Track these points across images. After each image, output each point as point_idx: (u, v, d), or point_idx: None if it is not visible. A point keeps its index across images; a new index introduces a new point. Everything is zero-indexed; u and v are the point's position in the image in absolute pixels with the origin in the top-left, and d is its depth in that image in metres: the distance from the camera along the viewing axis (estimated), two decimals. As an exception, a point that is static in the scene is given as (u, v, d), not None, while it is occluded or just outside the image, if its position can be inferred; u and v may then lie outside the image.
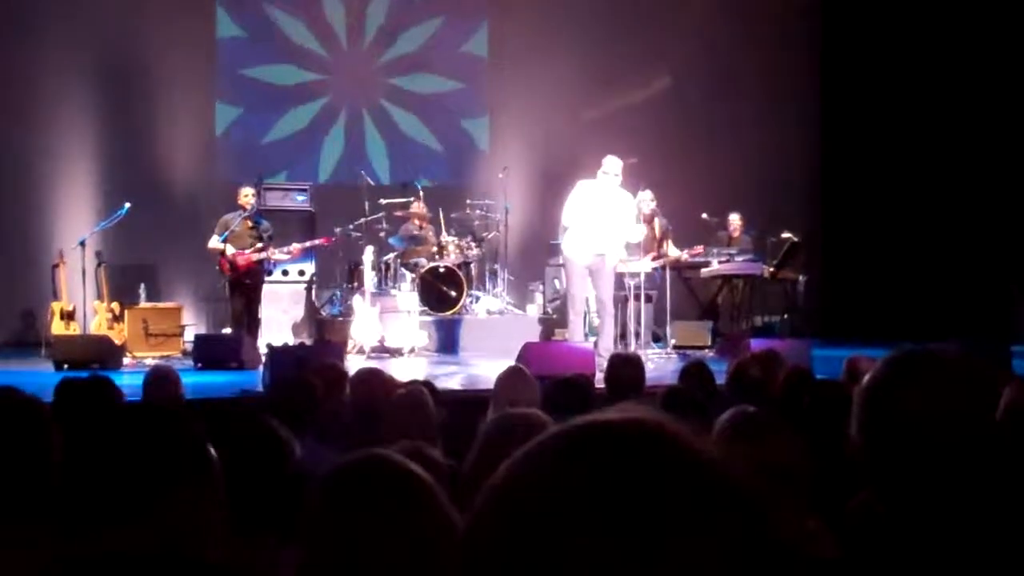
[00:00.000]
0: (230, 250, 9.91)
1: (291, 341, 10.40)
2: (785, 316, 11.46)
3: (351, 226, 11.29)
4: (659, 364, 9.37)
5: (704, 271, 10.95)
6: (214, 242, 9.97)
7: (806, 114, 13.98)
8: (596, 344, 8.68)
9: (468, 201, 12.18)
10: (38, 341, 10.53)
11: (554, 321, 11.14)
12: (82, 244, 10.34)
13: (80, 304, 10.38)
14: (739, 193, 12.30)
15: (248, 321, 10.01)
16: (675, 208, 10.79)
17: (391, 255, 11.34)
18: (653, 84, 13.55)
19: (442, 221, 11.67)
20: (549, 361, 7.47)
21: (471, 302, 11.36)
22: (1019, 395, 3.41)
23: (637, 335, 9.61)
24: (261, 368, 8.23)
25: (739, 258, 10.80)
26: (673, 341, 10.78)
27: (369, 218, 11.42)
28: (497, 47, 13.39)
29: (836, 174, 13.89)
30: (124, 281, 11.08)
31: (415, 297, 10.75)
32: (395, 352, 10.09)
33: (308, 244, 10.53)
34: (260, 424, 2.71)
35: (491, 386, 4.40)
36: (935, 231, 12.74)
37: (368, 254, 10.59)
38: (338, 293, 11.41)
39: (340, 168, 13.00)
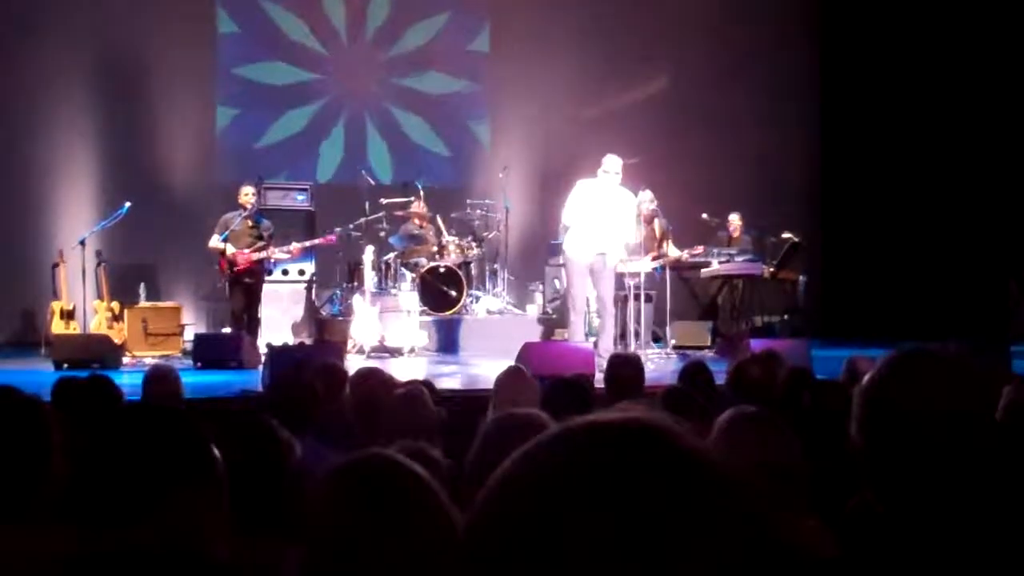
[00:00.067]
0: (230, 249, 9.91)
1: (291, 341, 10.39)
2: (785, 316, 11.47)
3: (351, 226, 11.29)
4: (659, 364, 9.37)
5: (704, 271, 10.95)
6: (214, 241, 9.96)
7: (806, 114, 13.99)
8: (596, 344, 8.68)
9: (468, 201, 12.18)
10: (38, 340, 10.53)
11: (554, 321, 11.14)
12: (82, 243, 10.34)
13: (80, 303, 10.38)
14: (739, 193, 12.30)
15: (248, 321, 10.01)
16: (675, 208, 10.79)
17: (391, 255, 11.33)
18: (653, 84, 13.55)
19: (440, 222, 11.66)
20: (549, 361, 7.47)
21: (471, 302, 11.36)
22: (1019, 395, 3.41)
23: (637, 335, 9.61)
24: (261, 368, 8.23)
25: (739, 258, 10.80)
26: (673, 341, 10.78)
27: (369, 218, 11.42)
28: (498, 46, 13.39)
29: (836, 174, 13.90)
30: (124, 280, 11.07)
31: (415, 297, 10.75)
32: (395, 352, 10.08)
33: (309, 243, 10.52)
34: (260, 424, 2.71)
35: (491, 386, 4.40)
36: (935, 231, 12.74)
37: (368, 254, 10.59)
38: (338, 293, 11.41)
39: (341, 169, 13.00)
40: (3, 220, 11.67)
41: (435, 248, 11.24)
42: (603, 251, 8.74)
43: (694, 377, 5.10)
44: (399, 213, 11.62)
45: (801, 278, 11.65)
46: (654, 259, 10.36)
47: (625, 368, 5.12)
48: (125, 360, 9.64)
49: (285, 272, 11.07)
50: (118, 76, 12.18)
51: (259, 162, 12.38)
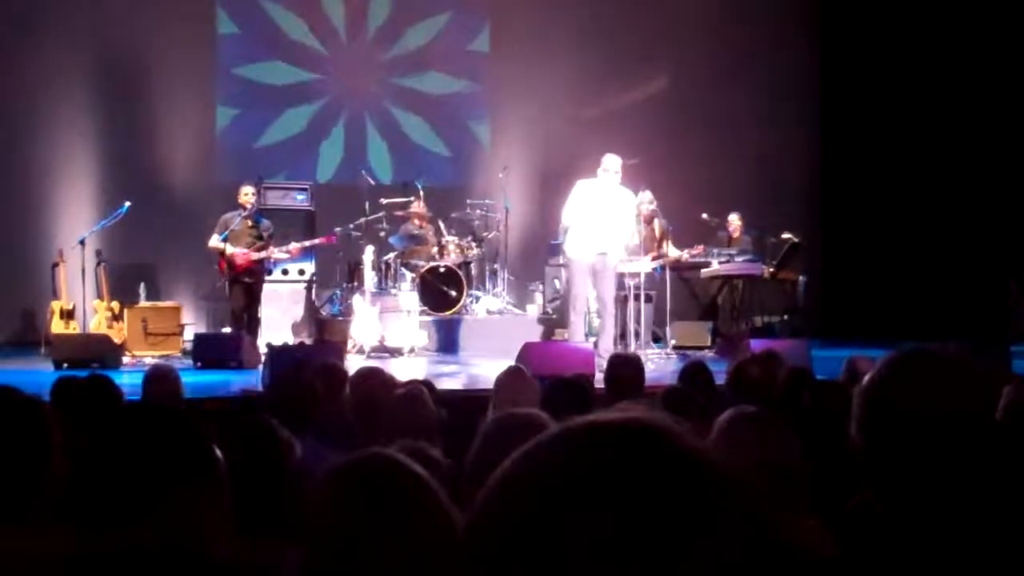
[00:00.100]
0: (229, 249, 9.91)
1: (291, 341, 10.39)
2: (785, 316, 11.47)
3: (351, 226, 11.29)
4: (659, 364, 9.37)
5: (704, 271, 10.96)
6: (214, 241, 9.96)
7: (806, 114, 13.99)
8: (596, 344, 8.68)
9: (468, 201, 12.18)
10: (38, 340, 10.52)
11: (554, 321, 11.14)
12: (82, 243, 10.34)
13: (80, 303, 10.38)
14: (739, 193, 12.31)
15: (248, 320, 10.01)
16: (675, 208, 10.79)
17: (391, 255, 11.33)
18: (653, 84, 13.55)
19: (440, 223, 11.67)
20: (549, 361, 7.47)
21: (471, 302, 11.36)
22: (1019, 395, 3.41)
23: (637, 335, 9.61)
24: (261, 368, 8.23)
25: (739, 258, 10.81)
26: (673, 341, 10.79)
27: (369, 218, 11.42)
28: (498, 46, 13.39)
29: (836, 174, 13.90)
30: (124, 280, 11.08)
31: (415, 297, 10.75)
32: (395, 352, 10.08)
33: (309, 243, 10.52)
34: (260, 424, 2.72)
35: (491, 386, 4.40)
36: (935, 231, 12.74)
37: (368, 254, 10.59)
38: (338, 293, 11.40)
39: (341, 169, 13.00)
40: (3, 220, 11.67)
41: (435, 248, 11.24)
42: (604, 251, 8.74)
43: (694, 377, 5.10)
44: (399, 213, 11.62)
45: (801, 278, 11.65)
46: (654, 259, 10.36)
47: (625, 368, 5.12)
48: (125, 360, 9.63)
49: (285, 272, 11.07)
50: (118, 76, 12.18)
51: (259, 162, 12.37)
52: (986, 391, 1.71)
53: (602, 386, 5.25)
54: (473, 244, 11.54)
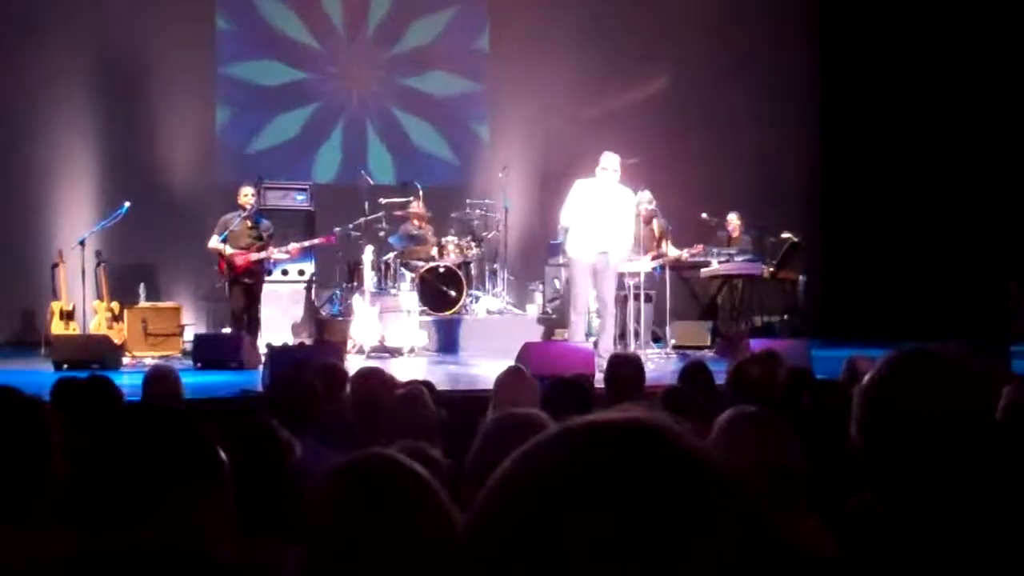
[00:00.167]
0: (229, 250, 9.91)
1: (291, 341, 10.39)
2: (785, 316, 11.47)
3: (351, 226, 11.29)
4: (659, 364, 9.37)
5: (704, 271, 10.96)
6: (214, 242, 9.96)
7: (806, 114, 13.99)
8: (596, 344, 8.68)
9: (468, 201, 12.18)
10: (38, 341, 10.52)
11: (554, 321, 11.14)
12: (82, 243, 10.34)
13: (80, 304, 10.38)
14: (739, 193, 12.31)
15: (248, 321, 10.01)
16: (675, 208, 10.79)
17: (391, 255, 11.33)
18: (653, 84, 13.56)
19: (440, 223, 11.68)
20: (549, 361, 7.47)
21: (471, 302, 11.36)
22: (1019, 395, 3.41)
23: (637, 335, 9.61)
24: (261, 368, 8.23)
25: (739, 258, 10.81)
26: (673, 341, 10.79)
27: (369, 218, 11.41)
28: (498, 46, 13.39)
29: (836, 174, 13.90)
30: (124, 280, 11.07)
31: (415, 297, 10.75)
32: (395, 352, 10.08)
33: (308, 243, 10.53)
34: (260, 424, 2.72)
35: (491, 386, 4.40)
36: (935, 231, 12.74)
37: (368, 254, 10.59)
38: (338, 293, 11.41)
39: (340, 169, 12.99)
40: (3, 220, 11.67)
41: (435, 248, 11.24)
42: (605, 250, 8.73)
43: (694, 377, 5.10)
44: (398, 213, 11.62)
45: (801, 278, 11.65)
46: (653, 259, 10.36)
47: (625, 368, 5.12)
48: (125, 360, 9.63)
49: (285, 272, 11.08)
50: (118, 76, 12.18)
51: (259, 162, 12.37)
52: (986, 391, 1.71)
53: (602, 386, 5.25)
54: (473, 244, 11.54)
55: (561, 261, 10.92)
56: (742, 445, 2.33)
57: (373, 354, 9.84)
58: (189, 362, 9.42)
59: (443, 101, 13.33)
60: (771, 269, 11.09)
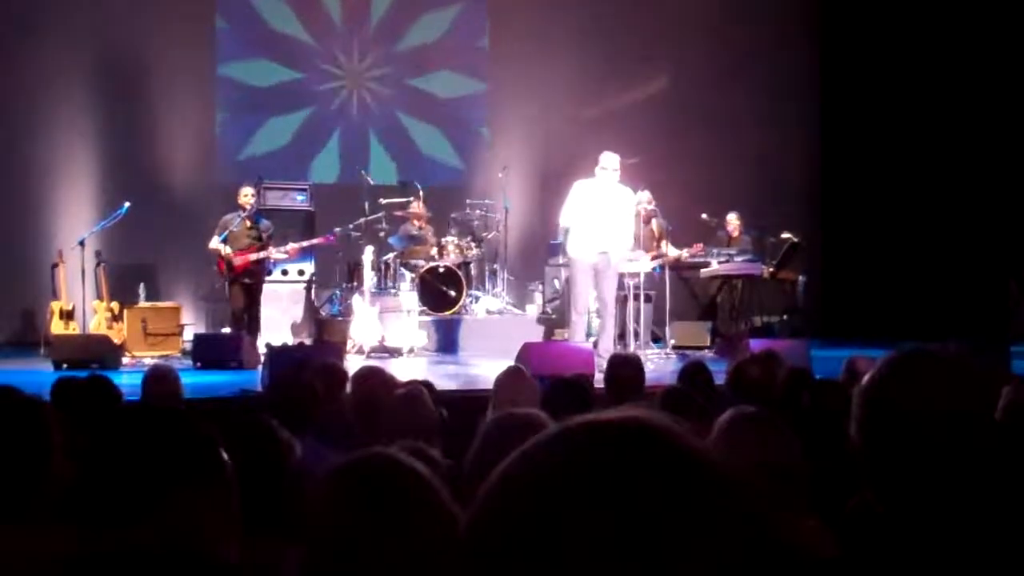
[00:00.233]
0: (228, 250, 9.91)
1: (290, 341, 10.39)
2: (784, 316, 11.47)
3: (351, 226, 11.29)
4: (658, 364, 9.37)
5: (703, 271, 10.96)
6: (214, 242, 9.96)
7: (806, 114, 13.99)
8: (596, 344, 8.68)
9: (468, 201, 12.18)
10: (37, 340, 10.52)
11: (554, 321, 11.14)
12: (81, 243, 10.34)
13: (79, 303, 10.38)
14: (739, 193, 12.31)
15: (248, 321, 10.01)
16: (675, 208, 10.80)
17: (391, 255, 11.33)
18: (653, 84, 13.56)
19: (440, 223, 11.67)
20: (549, 361, 7.47)
21: (471, 302, 11.36)
22: (1019, 395, 3.41)
23: (636, 335, 9.61)
24: (260, 368, 8.23)
25: (738, 258, 10.81)
26: (672, 341, 10.79)
27: (369, 218, 11.41)
28: (498, 45, 13.39)
29: (836, 174, 13.90)
30: (123, 280, 11.07)
31: (415, 297, 10.75)
32: (395, 352, 10.08)
33: (307, 243, 10.53)
34: (260, 424, 2.72)
35: (491, 386, 4.40)
36: (934, 231, 12.74)
37: (368, 254, 10.59)
38: (337, 293, 11.41)
39: (340, 169, 12.99)
40: (3, 220, 11.67)
41: (434, 248, 11.24)
42: (606, 250, 8.72)
43: (694, 377, 5.10)
44: (398, 213, 11.62)
45: (800, 278, 11.66)
46: (653, 259, 10.36)
47: (625, 368, 5.12)
48: (124, 360, 9.63)
49: (285, 272, 11.07)
50: (118, 76, 12.18)
51: (259, 162, 12.37)
52: (986, 391, 1.71)
53: (602, 386, 5.25)
54: (473, 244, 11.54)
55: (561, 261, 10.92)
56: (742, 445, 2.33)
57: (373, 354, 9.84)
58: (189, 362, 9.42)
59: (444, 101, 13.32)
60: (771, 269, 11.09)
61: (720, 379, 5.21)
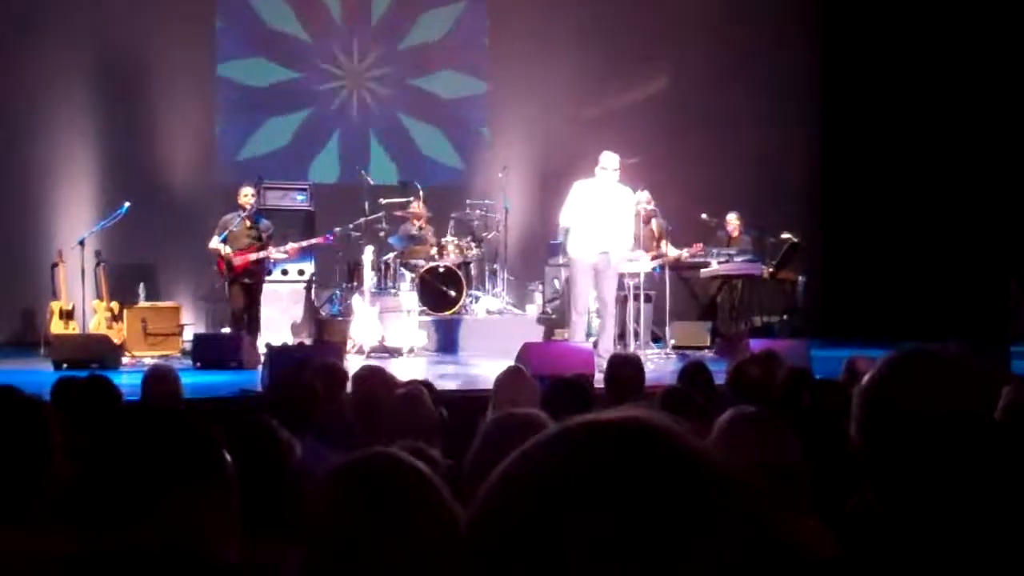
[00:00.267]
0: (228, 250, 9.91)
1: (290, 341, 10.39)
2: (784, 316, 11.47)
3: (351, 226, 11.29)
4: (658, 364, 9.37)
5: (703, 271, 10.96)
6: (214, 242, 9.97)
7: (806, 114, 13.99)
8: (596, 344, 8.68)
9: (468, 201, 12.17)
10: (37, 340, 10.52)
11: (554, 321, 11.14)
12: (81, 243, 10.34)
13: (79, 303, 10.38)
14: (739, 193, 12.31)
15: (248, 321, 10.01)
16: (675, 208, 10.80)
17: (391, 255, 11.34)
18: (653, 84, 13.56)
19: (440, 223, 11.67)
20: (549, 361, 7.47)
21: (471, 302, 11.36)
22: (1019, 395, 3.41)
23: (636, 335, 9.61)
24: (260, 368, 8.23)
25: (738, 258, 10.81)
26: (672, 341, 10.79)
27: (369, 218, 11.41)
28: (497, 45, 13.38)
29: (836, 174, 13.90)
30: (123, 280, 11.06)
31: (415, 297, 10.75)
32: (395, 352, 10.08)
33: (306, 243, 10.52)
34: (260, 424, 2.72)
35: (491, 386, 4.40)
36: (934, 231, 12.74)
37: (368, 254, 10.59)
38: (337, 293, 11.41)
39: (340, 169, 12.98)
40: (3, 220, 11.67)
41: (434, 248, 11.24)
42: (606, 249, 8.72)
43: (694, 377, 5.10)
44: (398, 213, 11.62)
45: (800, 278, 11.66)
46: (653, 259, 10.36)
47: (625, 369, 5.12)
48: (124, 360, 9.63)
49: (285, 272, 11.08)
50: (118, 76, 12.18)
51: (259, 162, 12.36)
52: (986, 391, 1.71)
53: (602, 386, 5.25)
54: (472, 244, 11.54)
55: (561, 261, 10.92)
56: (742, 445, 2.33)
57: (373, 354, 9.84)
58: (189, 362, 9.42)
59: (446, 101, 13.30)
60: (771, 269, 11.09)
61: (720, 379, 5.21)
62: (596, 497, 0.75)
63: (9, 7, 11.81)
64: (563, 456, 0.79)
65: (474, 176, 13.24)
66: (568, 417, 0.83)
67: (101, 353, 9.20)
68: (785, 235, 11.34)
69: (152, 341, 10.31)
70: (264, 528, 2.14)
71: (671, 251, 10.75)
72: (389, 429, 3.40)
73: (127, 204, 10.47)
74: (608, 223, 8.70)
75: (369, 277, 10.51)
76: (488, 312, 11.46)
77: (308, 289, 11.31)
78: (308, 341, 10.43)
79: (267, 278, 10.45)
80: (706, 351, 10.52)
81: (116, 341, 9.84)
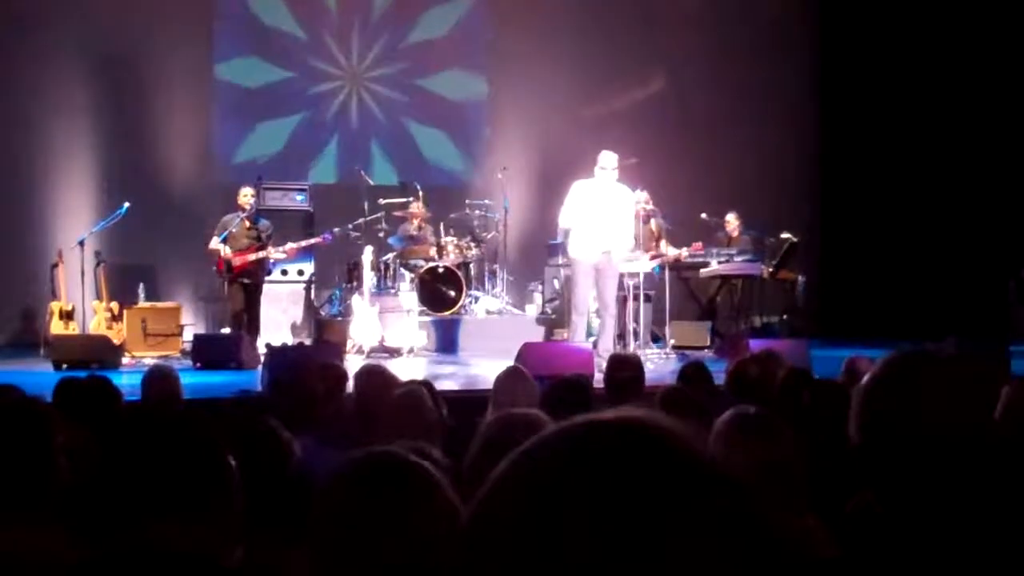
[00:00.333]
0: (228, 251, 9.91)
1: (290, 341, 10.39)
2: (784, 316, 11.47)
3: (350, 226, 11.29)
4: (658, 364, 9.36)
5: (703, 271, 10.96)
6: (214, 243, 9.97)
7: (806, 114, 13.99)
8: (595, 344, 8.68)
9: (468, 201, 12.17)
10: (37, 341, 10.52)
11: (554, 321, 11.14)
12: (81, 244, 10.34)
13: (79, 304, 10.38)
14: (738, 193, 12.30)
15: (248, 321, 10.01)
16: (674, 208, 10.79)
17: (390, 255, 11.34)
18: (653, 84, 13.56)
19: (439, 223, 11.67)
20: (548, 361, 7.46)
21: (470, 302, 11.36)
22: (1019, 395, 3.41)
23: (636, 335, 9.61)
24: (260, 368, 8.22)
25: (738, 258, 10.81)
26: (672, 341, 10.78)
27: (368, 218, 11.42)
28: (497, 45, 13.38)
29: (835, 174, 13.90)
30: (123, 281, 11.06)
31: (414, 297, 10.75)
32: (394, 352, 10.08)
33: (305, 243, 10.52)
34: (260, 424, 2.72)
35: (491, 386, 4.40)
36: (934, 230, 12.75)
37: (367, 254, 10.59)
38: (337, 293, 11.41)
39: (340, 169, 12.98)
40: (3, 220, 11.67)
41: (434, 248, 11.24)
42: (607, 249, 8.72)
43: (693, 377, 5.10)
44: (398, 213, 11.62)
45: (800, 278, 11.65)
46: (653, 258, 10.35)
47: (625, 369, 5.12)
48: (124, 360, 9.63)
49: (284, 272, 11.07)
50: (118, 76, 12.18)
51: (258, 162, 12.36)
52: (985, 391, 1.72)
53: (602, 386, 5.25)
54: (472, 244, 11.53)
55: (561, 261, 10.91)
56: (742, 445, 2.33)
57: (373, 354, 9.83)
58: (188, 362, 9.42)
59: (446, 102, 13.29)
60: (770, 269, 11.09)
61: (720, 379, 5.21)
62: (596, 497, 0.75)
63: (9, 7, 11.81)
64: (563, 456, 0.79)
65: (474, 176, 13.25)
66: (568, 417, 0.83)
67: (101, 353, 9.20)
68: (784, 235, 11.34)
69: (152, 341, 10.31)
70: (264, 528, 2.14)
71: (670, 251, 10.75)
72: (389, 429, 3.40)
73: (127, 204, 10.47)
74: (609, 223, 8.69)
75: (369, 277, 10.50)
76: (488, 312, 11.46)
77: (308, 289, 11.31)
78: (308, 341, 10.44)
79: (267, 278, 10.44)
80: (706, 351, 10.51)
81: (116, 342, 9.83)
